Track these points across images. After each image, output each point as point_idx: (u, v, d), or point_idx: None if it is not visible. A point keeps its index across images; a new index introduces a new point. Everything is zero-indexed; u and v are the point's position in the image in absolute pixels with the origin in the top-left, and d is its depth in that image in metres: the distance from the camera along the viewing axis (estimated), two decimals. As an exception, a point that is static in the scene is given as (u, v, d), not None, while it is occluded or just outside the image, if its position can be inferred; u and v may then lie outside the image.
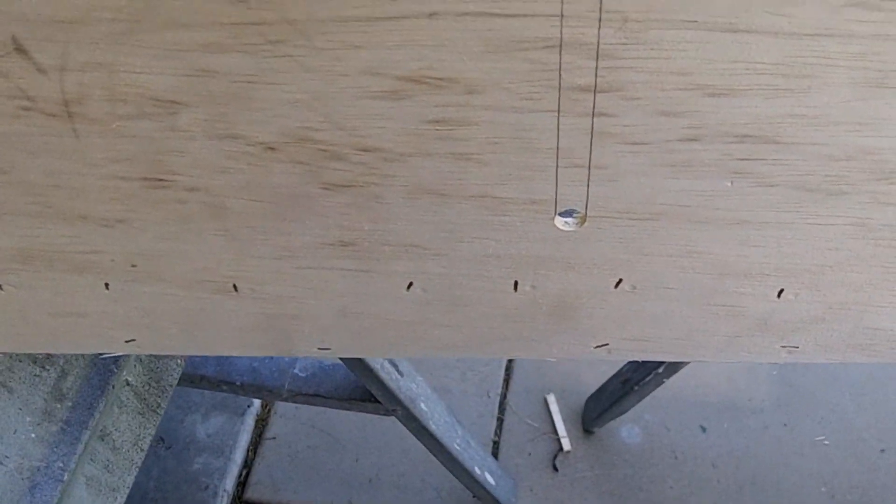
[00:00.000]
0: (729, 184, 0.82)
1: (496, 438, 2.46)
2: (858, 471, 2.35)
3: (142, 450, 1.40)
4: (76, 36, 0.73)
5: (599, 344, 1.00)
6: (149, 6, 0.71)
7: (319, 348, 1.02)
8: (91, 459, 1.30)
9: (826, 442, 2.40)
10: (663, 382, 2.08)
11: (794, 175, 0.80)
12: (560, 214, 0.86)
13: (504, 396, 2.54)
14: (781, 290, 0.92)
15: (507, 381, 2.57)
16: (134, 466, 1.39)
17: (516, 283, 0.93)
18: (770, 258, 0.88)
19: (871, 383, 2.50)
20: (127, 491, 1.37)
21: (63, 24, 0.72)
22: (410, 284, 0.94)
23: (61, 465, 1.23)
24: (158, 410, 1.44)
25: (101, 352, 1.06)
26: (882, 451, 2.38)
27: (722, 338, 0.98)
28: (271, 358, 1.87)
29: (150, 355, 1.31)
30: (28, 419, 1.25)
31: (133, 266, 0.93)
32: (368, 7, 0.70)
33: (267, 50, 0.73)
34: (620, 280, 0.92)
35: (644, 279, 0.91)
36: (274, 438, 2.48)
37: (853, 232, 0.85)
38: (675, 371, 2.03)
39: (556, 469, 2.39)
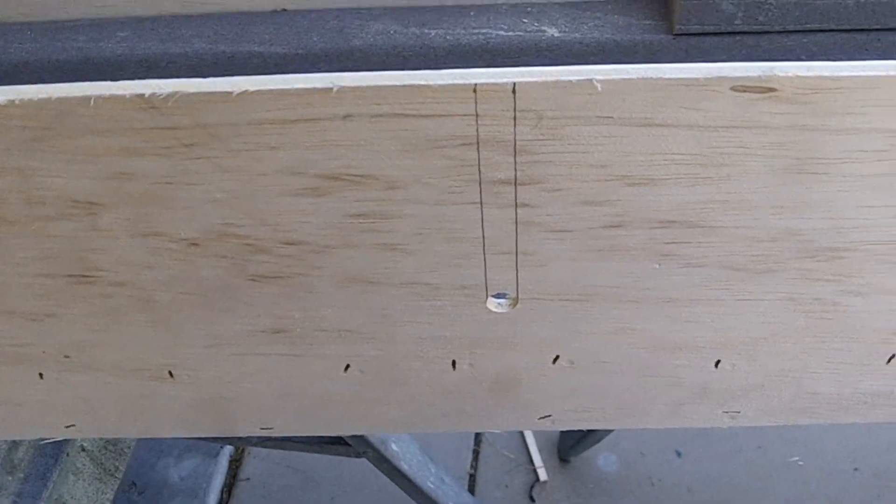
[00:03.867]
0: (657, 266, 0.81)
1: (472, 471, 2.45)
2: (832, 491, 2.35)
3: (99, 515, 1.39)
4: (-12, 143, 0.72)
5: (543, 416, 1.00)
6: (59, 114, 0.70)
7: (262, 428, 1.01)
8: (46, 530, 1.29)
9: (800, 463, 2.41)
10: (634, 413, 2.08)
11: (721, 256, 0.80)
12: (493, 297, 0.86)
13: (478, 429, 2.53)
14: (718, 361, 0.92)
15: (480, 413, 2.56)
16: (91, 533, 1.38)
17: (454, 363, 0.92)
18: (704, 332, 0.88)
19: (842, 404, 2.50)
20: (85, 558, 1.36)
21: (-27, 133, 0.72)
22: (347, 366, 0.93)
23: (14, 539, 1.22)
24: (116, 474, 1.43)
25: (41, 437, 1.05)
26: (855, 469, 2.38)
27: (663, 406, 0.98)
28: (237, 404, 1.86)
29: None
30: (-22, 494, 1.24)
31: (66, 357, 0.92)
32: (282, 111, 0.70)
33: (182, 153, 0.73)
34: (557, 356, 0.91)
35: (581, 355, 0.91)
36: (248, 479, 2.46)
37: (784, 306, 0.85)
38: (645, 402, 2.02)
39: (533, 500, 2.38)
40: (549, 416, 0.99)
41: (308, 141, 0.72)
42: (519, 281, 0.83)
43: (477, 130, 0.70)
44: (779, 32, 0.77)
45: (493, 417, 1.00)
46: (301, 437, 1.86)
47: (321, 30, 0.81)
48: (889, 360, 0.91)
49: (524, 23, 0.81)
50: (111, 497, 1.39)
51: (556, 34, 0.79)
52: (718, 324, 0.87)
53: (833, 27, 0.77)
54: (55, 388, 0.96)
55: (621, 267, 0.81)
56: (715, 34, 0.77)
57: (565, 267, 0.82)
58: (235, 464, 2.49)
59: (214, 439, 1.85)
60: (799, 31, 0.77)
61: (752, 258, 0.80)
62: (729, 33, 0.77)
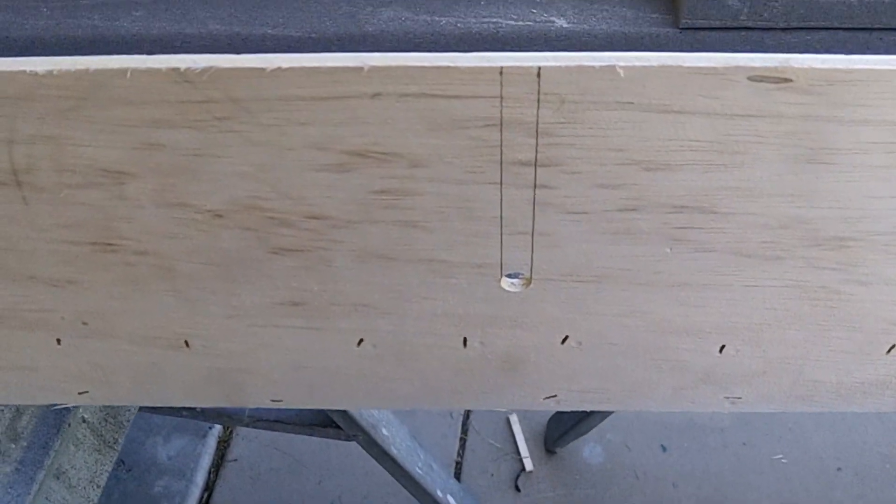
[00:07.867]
0: (668, 250, 0.84)
1: (459, 459, 2.47)
2: (816, 489, 2.38)
3: (98, 486, 1.41)
4: (23, 111, 0.74)
5: (548, 395, 1.02)
6: (95, 84, 0.72)
7: (272, 400, 1.03)
8: (46, 499, 1.31)
9: (784, 460, 2.44)
10: (623, 405, 2.10)
11: (731, 242, 0.83)
12: (506, 276, 0.88)
13: (467, 417, 2.56)
14: (723, 346, 0.94)
15: (470, 401, 2.58)
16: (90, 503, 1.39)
17: (465, 340, 0.95)
18: (710, 317, 0.91)
19: (827, 402, 2.53)
20: (84, 528, 1.37)
21: (10, 100, 0.73)
22: (361, 341, 0.95)
23: (16, 505, 1.23)
24: (115, 446, 1.44)
25: (52, 403, 1.07)
26: (839, 469, 2.42)
27: (667, 389, 1.00)
28: (233, 384, 1.88)
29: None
30: (-18, 461, 1.25)
31: (84, 323, 0.94)
32: (312, 87, 0.72)
33: (213, 126, 0.74)
34: (566, 337, 0.94)
35: (589, 336, 0.93)
36: (236, 460, 2.48)
37: (790, 293, 0.88)
38: (635, 394, 2.05)
39: (518, 489, 2.41)
40: (555, 395, 1.02)
41: (336, 118, 0.74)
42: (533, 261, 0.85)
43: (501, 112, 0.73)
44: (783, 29, 0.81)
45: (500, 396, 1.02)
46: (293, 418, 1.88)
47: (334, 15, 0.84)
48: (889, 350, 0.94)
49: (533, 13, 0.84)
50: (109, 468, 1.41)
51: (565, 25, 0.82)
52: (725, 309, 0.89)
53: (836, 25, 0.80)
54: (72, 354, 0.97)
55: (633, 250, 0.84)
56: (720, 29, 0.80)
57: (579, 248, 0.84)
58: (223, 445, 2.51)
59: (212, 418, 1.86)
60: (802, 29, 0.80)
61: (761, 245, 0.83)
62: (734, 28, 0.80)
